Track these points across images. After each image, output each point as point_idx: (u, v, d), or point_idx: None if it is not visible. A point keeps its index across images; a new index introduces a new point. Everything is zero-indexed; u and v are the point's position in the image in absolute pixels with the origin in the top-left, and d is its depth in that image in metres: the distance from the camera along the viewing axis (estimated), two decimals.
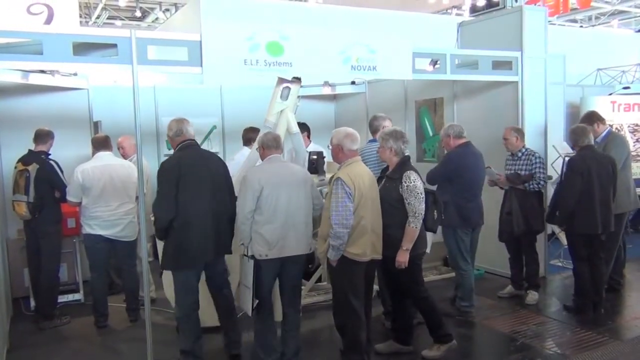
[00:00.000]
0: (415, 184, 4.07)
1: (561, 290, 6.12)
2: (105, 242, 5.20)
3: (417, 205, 4.05)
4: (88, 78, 6.95)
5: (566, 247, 5.84)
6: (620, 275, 5.95)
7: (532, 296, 5.65)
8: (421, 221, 4.09)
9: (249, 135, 6.35)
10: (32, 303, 5.66)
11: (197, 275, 4.18)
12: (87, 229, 5.21)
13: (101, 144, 5.41)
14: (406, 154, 4.31)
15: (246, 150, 6.38)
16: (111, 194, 5.17)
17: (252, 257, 4.02)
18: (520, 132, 5.67)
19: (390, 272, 4.31)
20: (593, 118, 5.83)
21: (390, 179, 4.21)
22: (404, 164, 4.21)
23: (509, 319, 5.26)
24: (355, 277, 4.03)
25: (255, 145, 4.61)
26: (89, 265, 5.41)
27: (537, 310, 5.46)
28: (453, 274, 5.59)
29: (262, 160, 4.31)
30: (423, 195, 4.10)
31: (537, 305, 5.57)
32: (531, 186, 5.48)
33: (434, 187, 4.94)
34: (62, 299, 5.80)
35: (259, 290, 4.03)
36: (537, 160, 5.53)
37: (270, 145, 4.21)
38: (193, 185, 4.01)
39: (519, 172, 5.54)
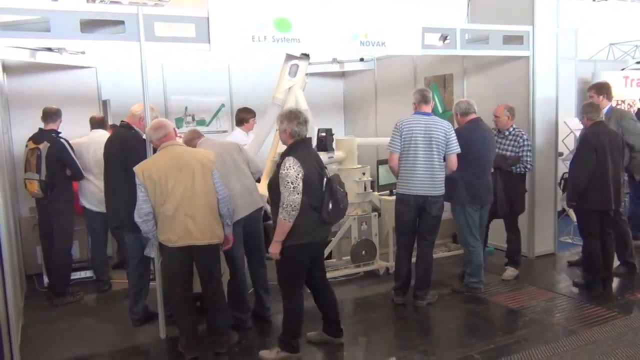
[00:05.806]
0: (287, 172, 3.70)
1: (571, 267, 6.10)
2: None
3: (285, 195, 3.69)
4: (96, 56, 6.93)
5: (576, 223, 5.80)
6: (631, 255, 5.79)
7: (510, 272, 5.66)
8: (292, 213, 3.70)
9: (241, 116, 6.38)
10: (45, 280, 5.75)
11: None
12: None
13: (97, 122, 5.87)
14: (305, 137, 3.94)
15: (238, 131, 6.40)
16: None
17: None
18: (512, 111, 5.58)
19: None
20: (603, 89, 5.75)
21: (278, 165, 3.92)
22: (291, 149, 3.85)
23: (518, 295, 5.27)
24: (170, 263, 4.06)
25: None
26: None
27: (547, 287, 5.47)
28: (462, 251, 5.59)
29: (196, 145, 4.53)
30: (296, 185, 3.68)
31: (547, 282, 5.58)
32: (518, 169, 5.45)
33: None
34: (74, 275, 5.89)
35: None
36: (525, 142, 5.47)
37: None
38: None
39: (504, 151, 5.50)
